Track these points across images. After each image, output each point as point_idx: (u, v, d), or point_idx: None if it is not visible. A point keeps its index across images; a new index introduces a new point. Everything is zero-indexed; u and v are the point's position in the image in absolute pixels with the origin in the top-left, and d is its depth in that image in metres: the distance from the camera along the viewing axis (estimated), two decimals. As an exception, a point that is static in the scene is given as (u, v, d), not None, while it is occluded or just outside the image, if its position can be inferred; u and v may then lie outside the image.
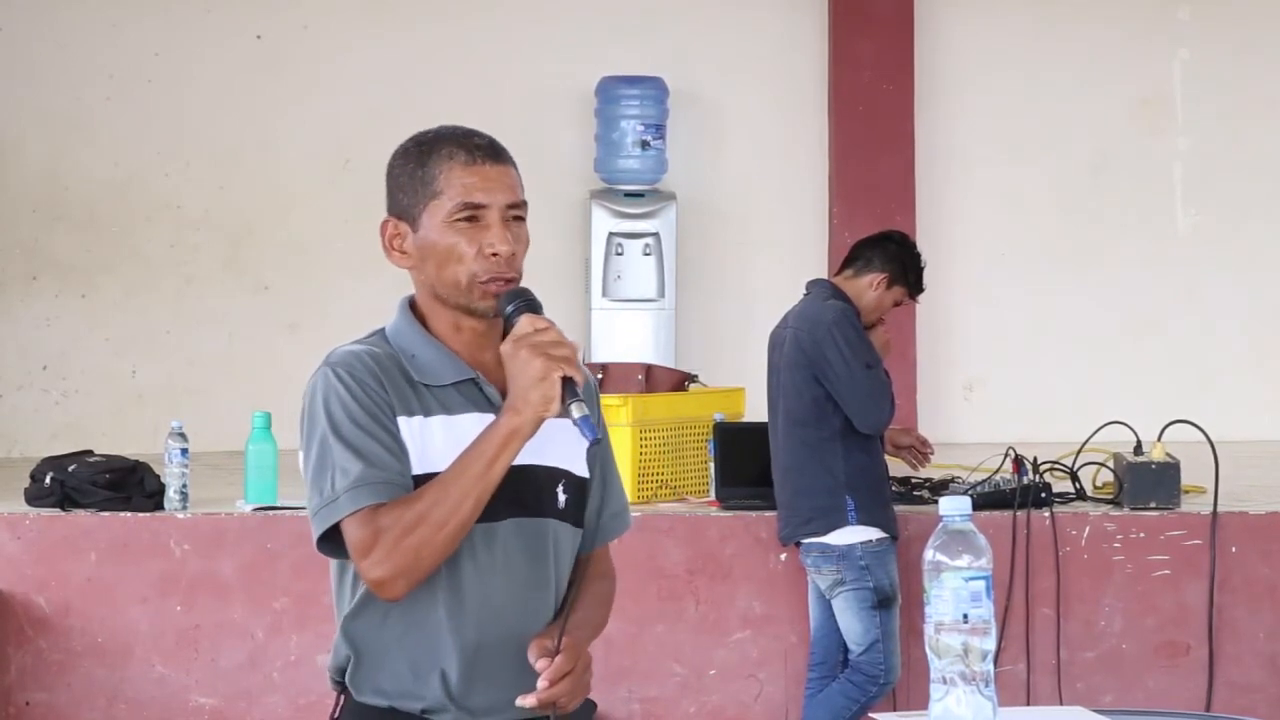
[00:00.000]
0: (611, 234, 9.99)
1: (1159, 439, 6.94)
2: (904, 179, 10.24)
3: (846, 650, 6.43)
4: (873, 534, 6.33)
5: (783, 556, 6.85)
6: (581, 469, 3.07)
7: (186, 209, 10.20)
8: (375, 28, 10.28)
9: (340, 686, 3.02)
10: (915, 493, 7.25)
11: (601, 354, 9.59)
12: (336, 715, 3.02)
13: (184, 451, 6.90)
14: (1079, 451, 7.23)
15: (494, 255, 2.96)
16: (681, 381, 7.60)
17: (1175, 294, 10.50)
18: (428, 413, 2.96)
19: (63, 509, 6.93)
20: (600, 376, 7.24)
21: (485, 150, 3.01)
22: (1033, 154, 10.48)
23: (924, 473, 7.26)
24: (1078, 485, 7.20)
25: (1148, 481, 6.90)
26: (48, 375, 10.13)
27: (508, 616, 2.96)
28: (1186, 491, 7.06)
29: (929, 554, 2.74)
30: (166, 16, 10.17)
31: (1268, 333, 10.51)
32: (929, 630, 2.73)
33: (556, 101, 10.24)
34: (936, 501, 5.47)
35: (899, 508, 6.64)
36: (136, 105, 10.14)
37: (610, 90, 10.10)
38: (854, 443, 6.34)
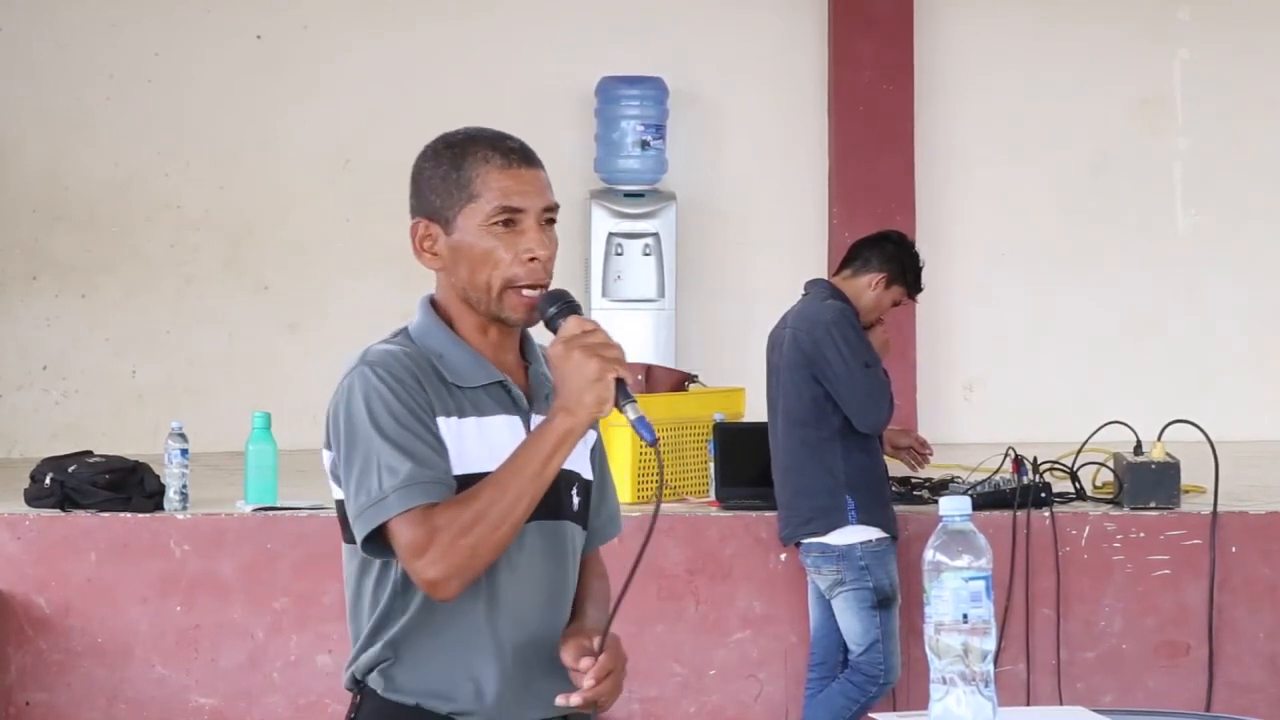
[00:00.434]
0: (611, 234, 9.99)
1: (1159, 439, 6.94)
2: (904, 179, 10.23)
3: (846, 650, 6.43)
4: (873, 534, 6.33)
5: (783, 556, 6.85)
6: (589, 471, 3.10)
7: (186, 209, 10.20)
8: (375, 28, 10.28)
9: (359, 686, 3.01)
10: (915, 493, 7.25)
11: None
12: (353, 716, 3.02)
13: (184, 452, 6.90)
14: (1079, 451, 7.23)
15: (533, 260, 2.97)
16: (681, 382, 7.60)
17: (1175, 294, 10.50)
18: (462, 414, 2.96)
19: (63, 509, 6.93)
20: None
21: (519, 154, 3.02)
22: (1033, 154, 10.48)
23: (924, 473, 7.26)
24: (1078, 485, 7.20)
25: (1148, 481, 6.90)
26: (48, 375, 10.13)
27: (536, 618, 2.99)
28: (1186, 491, 7.06)
29: (929, 554, 2.74)
30: (166, 16, 10.17)
31: (1268, 333, 10.51)
32: (929, 630, 2.73)
33: (556, 101, 10.24)
34: (936, 501, 5.47)
35: (899, 508, 6.64)
36: (136, 105, 10.14)
37: (610, 90, 10.09)
38: (853, 442, 6.34)
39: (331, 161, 10.23)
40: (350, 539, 2.97)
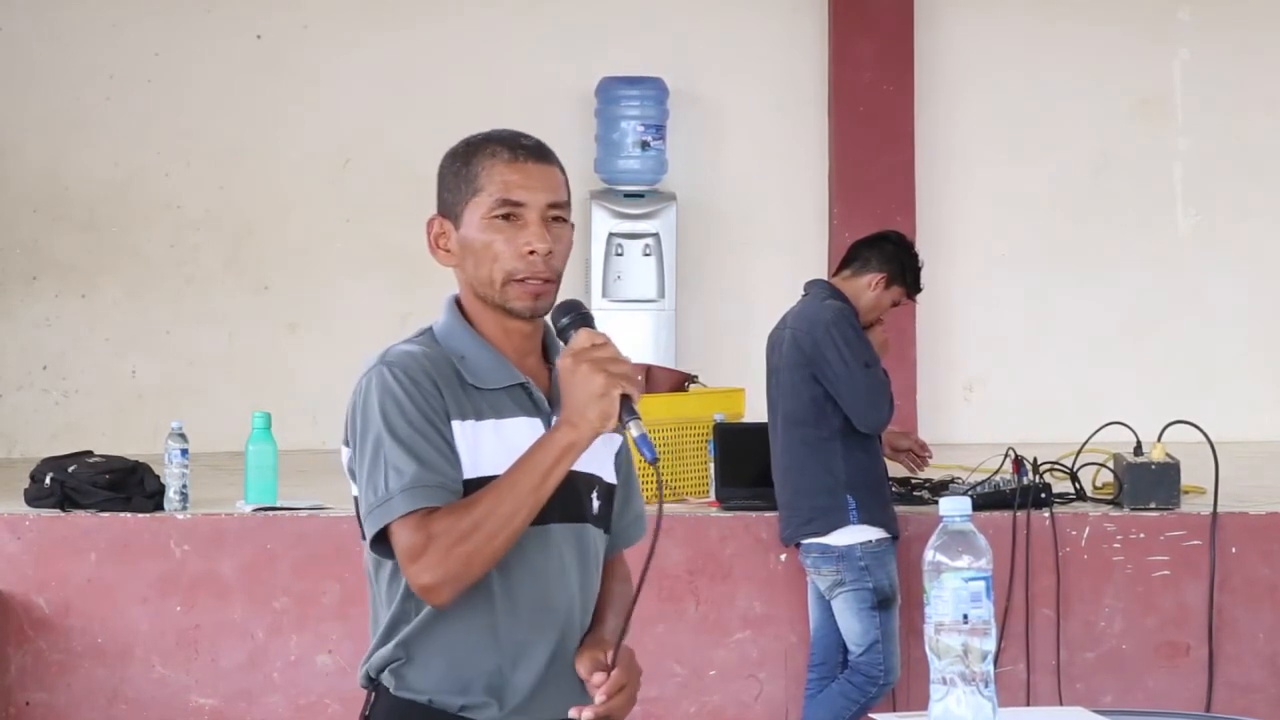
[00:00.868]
0: (611, 234, 9.99)
1: (1159, 439, 6.94)
2: (904, 179, 10.23)
3: (846, 650, 6.43)
4: (873, 534, 6.33)
5: (783, 557, 6.85)
6: (611, 475, 3.10)
7: (186, 209, 10.20)
8: (375, 28, 10.28)
9: (373, 684, 3.02)
10: (915, 493, 7.25)
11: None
12: (367, 714, 3.03)
13: (184, 452, 6.90)
14: (1079, 452, 7.22)
15: (531, 253, 2.96)
16: (681, 382, 7.60)
17: (1175, 294, 10.50)
18: (479, 416, 2.96)
19: (63, 509, 6.93)
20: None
21: (530, 149, 3.01)
22: (1033, 154, 10.48)
23: (924, 473, 7.25)
24: (1078, 485, 7.20)
25: (1148, 482, 6.90)
26: (48, 375, 10.13)
27: (554, 620, 2.99)
28: (1186, 492, 7.06)
29: (929, 554, 2.74)
30: (166, 16, 10.17)
31: (1268, 333, 10.51)
32: (929, 630, 2.73)
33: (556, 101, 10.24)
34: (936, 502, 5.47)
35: (899, 508, 6.64)
36: (136, 105, 10.14)
37: (610, 90, 10.10)
38: (854, 442, 6.34)
39: (331, 161, 10.23)
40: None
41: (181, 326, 10.17)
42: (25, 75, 10.09)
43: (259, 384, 9.86)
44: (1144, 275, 10.49)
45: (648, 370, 7.56)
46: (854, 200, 10.15)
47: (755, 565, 6.92)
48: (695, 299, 10.25)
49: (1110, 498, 7.10)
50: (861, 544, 6.31)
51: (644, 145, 10.01)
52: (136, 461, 7.14)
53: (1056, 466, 7.19)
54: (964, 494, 6.35)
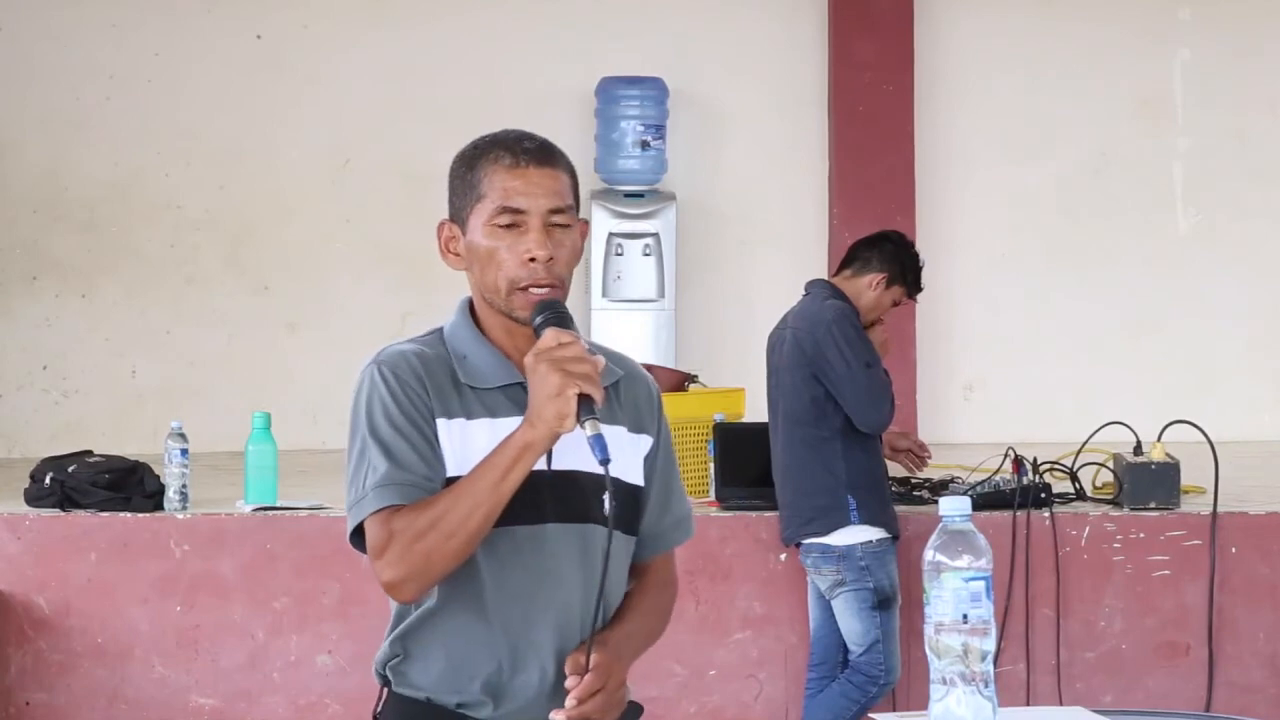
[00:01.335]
0: (611, 234, 9.99)
1: (1159, 439, 6.94)
2: (904, 179, 10.23)
3: (846, 650, 6.43)
4: (874, 534, 6.33)
5: (783, 557, 6.85)
6: (633, 476, 3.09)
7: (186, 209, 10.20)
8: (375, 28, 10.28)
9: (384, 680, 3.05)
10: (915, 493, 7.25)
11: (601, 354, 9.57)
12: (379, 710, 3.05)
13: (184, 451, 6.90)
14: (1079, 452, 7.23)
15: (531, 260, 2.97)
16: (681, 382, 7.60)
17: (1175, 294, 10.50)
18: (470, 415, 2.97)
19: (63, 509, 6.93)
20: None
21: (532, 154, 3.00)
22: (1033, 154, 10.48)
23: (924, 473, 7.26)
24: (1077, 485, 7.20)
25: (1147, 482, 6.90)
26: (48, 375, 10.13)
27: (554, 619, 2.99)
28: (1186, 491, 7.06)
29: (929, 554, 2.74)
30: (166, 16, 10.17)
31: (1268, 333, 10.51)
32: (929, 630, 2.73)
33: (556, 101, 10.23)
34: (936, 501, 5.47)
35: (899, 508, 6.64)
36: (136, 105, 10.14)
37: (610, 90, 10.09)
38: (854, 442, 6.34)
39: (331, 161, 10.23)
40: None
41: (181, 326, 10.17)
42: (25, 75, 10.08)
43: (259, 384, 9.86)
44: (1144, 275, 10.49)
45: (647, 370, 7.54)
46: (854, 200, 10.15)
47: (755, 565, 6.92)
48: (695, 299, 10.25)
49: (1110, 498, 7.10)
50: (862, 544, 6.31)
51: (644, 145, 10.01)
52: (136, 461, 7.14)
53: (1056, 466, 7.19)
54: (964, 494, 6.35)
